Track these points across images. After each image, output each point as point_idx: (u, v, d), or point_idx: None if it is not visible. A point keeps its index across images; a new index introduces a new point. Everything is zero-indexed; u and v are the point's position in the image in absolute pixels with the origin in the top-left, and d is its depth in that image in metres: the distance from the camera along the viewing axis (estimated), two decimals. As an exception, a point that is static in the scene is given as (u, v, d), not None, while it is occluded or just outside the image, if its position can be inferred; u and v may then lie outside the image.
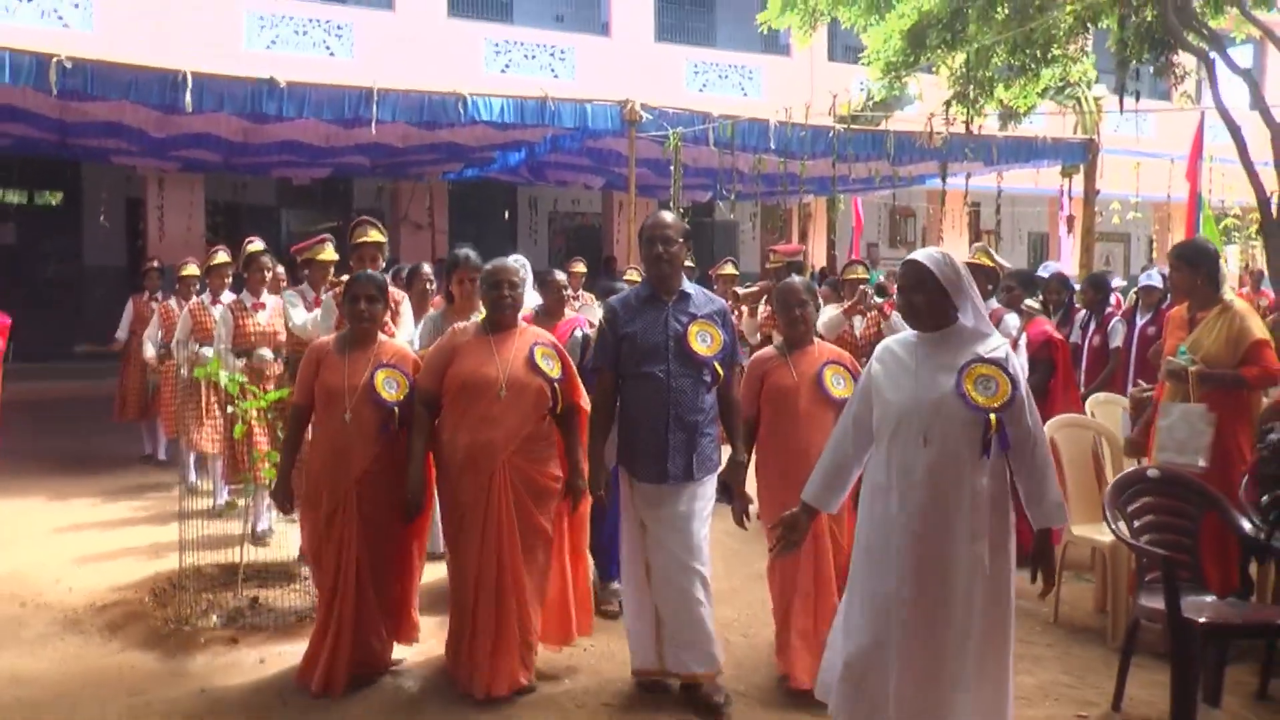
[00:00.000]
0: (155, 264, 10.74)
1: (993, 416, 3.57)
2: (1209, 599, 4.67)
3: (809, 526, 4.05)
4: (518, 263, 5.26)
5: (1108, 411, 7.05)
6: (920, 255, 3.81)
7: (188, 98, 9.52)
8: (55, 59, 8.96)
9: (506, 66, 18.84)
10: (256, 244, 7.79)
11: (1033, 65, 13.27)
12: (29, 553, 6.99)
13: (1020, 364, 6.32)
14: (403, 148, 12.91)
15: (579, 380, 4.99)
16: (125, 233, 18.63)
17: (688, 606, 4.66)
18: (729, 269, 10.58)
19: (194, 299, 8.59)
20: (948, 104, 13.34)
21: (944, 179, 14.27)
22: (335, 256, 6.94)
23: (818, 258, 19.10)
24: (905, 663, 3.62)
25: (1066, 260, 16.95)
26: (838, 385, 4.97)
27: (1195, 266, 5.53)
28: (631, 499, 4.77)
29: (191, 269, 9.47)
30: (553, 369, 4.82)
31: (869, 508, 3.81)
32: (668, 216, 4.84)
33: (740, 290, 9.77)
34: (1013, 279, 7.24)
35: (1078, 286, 9.44)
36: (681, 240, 4.75)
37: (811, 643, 4.70)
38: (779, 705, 4.77)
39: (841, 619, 3.95)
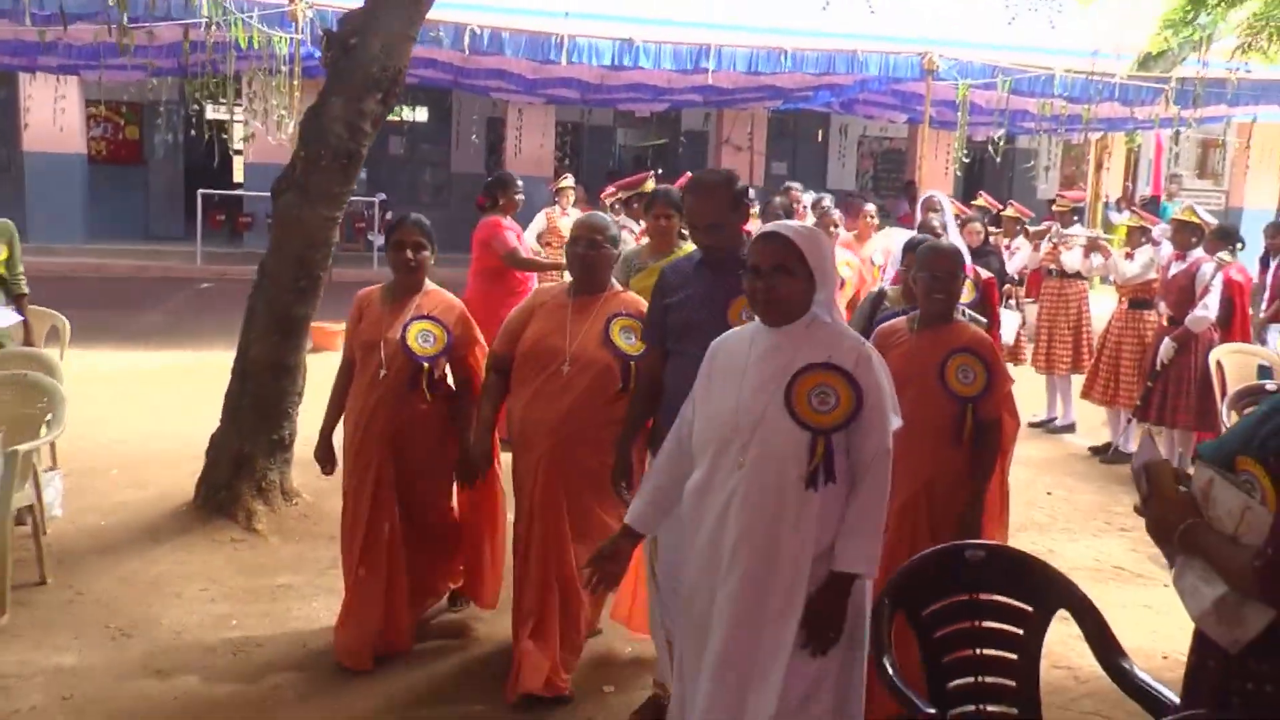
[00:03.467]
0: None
1: (821, 441, 2.90)
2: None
3: (631, 554, 3.38)
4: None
5: (1300, 347, 8.39)
6: (782, 228, 3.04)
7: (563, 55, 12.03)
8: (468, 27, 11.60)
9: (826, 5, 20.44)
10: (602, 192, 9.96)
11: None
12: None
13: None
14: (731, 88, 14.91)
15: None
16: (485, 147, 21.85)
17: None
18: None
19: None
20: (1233, 52, 14.02)
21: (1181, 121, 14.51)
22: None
23: (1114, 189, 19.94)
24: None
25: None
26: (965, 379, 3.98)
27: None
28: None
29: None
30: (632, 345, 4.13)
31: (691, 536, 3.11)
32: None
33: (1030, 229, 10.55)
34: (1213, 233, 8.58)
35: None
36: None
37: None
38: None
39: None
